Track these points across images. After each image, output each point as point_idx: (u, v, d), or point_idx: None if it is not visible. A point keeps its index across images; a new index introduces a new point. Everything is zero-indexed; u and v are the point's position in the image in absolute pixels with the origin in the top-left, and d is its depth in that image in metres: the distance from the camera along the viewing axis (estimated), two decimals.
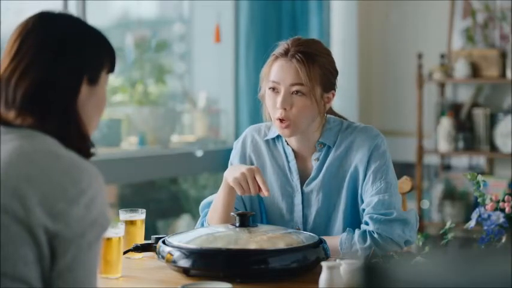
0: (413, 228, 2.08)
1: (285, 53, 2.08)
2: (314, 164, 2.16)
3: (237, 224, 1.92)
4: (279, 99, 2.07)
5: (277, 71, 2.08)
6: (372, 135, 2.13)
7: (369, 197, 2.08)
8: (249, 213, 1.96)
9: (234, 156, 2.25)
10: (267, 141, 2.22)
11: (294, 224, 2.17)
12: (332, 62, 2.13)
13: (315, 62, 2.07)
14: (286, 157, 2.19)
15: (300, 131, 2.12)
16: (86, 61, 1.43)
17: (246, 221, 1.93)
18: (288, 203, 2.18)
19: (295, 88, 2.06)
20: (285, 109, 2.06)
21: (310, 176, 2.16)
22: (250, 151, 2.23)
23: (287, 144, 2.18)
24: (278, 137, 2.21)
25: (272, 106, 2.09)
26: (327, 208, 2.14)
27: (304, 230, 2.14)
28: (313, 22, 4.47)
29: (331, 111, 2.23)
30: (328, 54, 2.13)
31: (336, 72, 2.15)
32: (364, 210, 2.09)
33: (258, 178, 2.01)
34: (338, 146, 2.14)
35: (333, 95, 2.14)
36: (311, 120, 2.11)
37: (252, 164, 2.21)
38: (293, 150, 2.18)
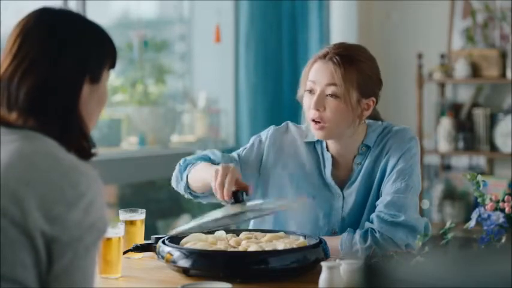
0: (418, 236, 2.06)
1: (324, 56, 2.09)
2: (356, 167, 2.15)
3: (232, 201, 1.90)
4: (313, 100, 2.07)
5: (315, 72, 2.09)
6: (406, 138, 2.13)
7: (385, 194, 2.08)
8: (244, 187, 1.92)
9: (264, 142, 2.20)
10: (307, 144, 2.20)
11: (329, 227, 2.14)
12: (374, 69, 2.11)
13: (353, 66, 2.05)
14: (324, 162, 2.17)
15: (335, 136, 2.10)
16: (88, 60, 1.41)
17: (239, 197, 1.90)
18: (325, 207, 2.15)
19: (329, 90, 2.06)
20: (318, 110, 2.06)
21: (351, 180, 2.15)
22: (289, 152, 2.19)
23: (327, 150, 2.17)
24: (318, 140, 2.18)
25: (307, 107, 2.09)
26: (359, 209, 2.13)
27: (341, 232, 2.11)
28: (313, 22, 4.47)
29: (374, 112, 2.19)
30: (370, 60, 2.11)
31: (379, 81, 2.12)
32: (377, 205, 2.08)
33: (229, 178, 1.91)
34: (375, 147, 2.14)
35: (373, 102, 2.11)
36: (346, 125, 2.08)
37: (267, 160, 2.18)
38: (332, 156, 2.16)
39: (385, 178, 2.10)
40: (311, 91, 2.09)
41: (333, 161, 2.16)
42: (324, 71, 2.07)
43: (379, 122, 2.18)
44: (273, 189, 2.18)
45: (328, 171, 2.16)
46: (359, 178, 2.14)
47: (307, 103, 2.10)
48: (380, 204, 2.07)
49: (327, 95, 2.06)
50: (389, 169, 2.10)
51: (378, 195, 2.12)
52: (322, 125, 2.06)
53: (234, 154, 2.22)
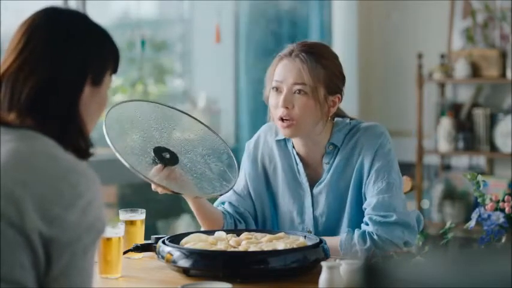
0: (414, 231, 2.06)
1: (289, 54, 2.09)
2: (325, 167, 2.15)
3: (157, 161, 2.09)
4: (281, 98, 2.07)
5: (281, 71, 2.09)
6: (376, 134, 2.12)
7: (370, 196, 2.07)
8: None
9: (245, 159, 2.25)
10: (278, 142, 2.21)
11: (304, 226, 2.16)
12: (338, 66, 2.13)
13: (319, 63, 2.07)
14: (295, 159, 2.18)
15: (303, 134, 2.10)
16: (90, 61, 1.41)
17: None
18: (299, 205, 2.17)
19: (297, 87, 2.06)
20: (287, 108, 2.06)
21: (321, 179, 2.15)
22: (264, 154, 2.22)
23: (293, 147, 2.18)
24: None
25: (275, 106, 2.09)
26: (336, 209, 2.13)
27: (316, 232, 2.13)
28: (313, 22, 4.47)
29: (338, 111, 2.21)
30: (334, 58, 2.13)
31: (343, 77, 2.14)
32: (365, 209, 2.08)
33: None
34: (345, 146, 2.13)
35: (339, 99, 2.12)
36: (314, 122, 2.09)
37: (264, 168, 2.21)
38: (299, 153, 2.17)
39: (365, 180, 2.09)
40: (278, 89, 2.09)
41: (301, 159, 2.17)
42: (291, 69, 2.07)
43: (347, 120, 2.18)
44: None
45: (301, 168, 2.16)
46: (328, 177, 2.13)
47: (274, 102, 2.09)
48: (368, 207, 2.07)
49: (295, 92, 2.06)
50: (366, 170, 2.09)
51: (357, 197, 2.11)
52: (290, 123, 2.07)
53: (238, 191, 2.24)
